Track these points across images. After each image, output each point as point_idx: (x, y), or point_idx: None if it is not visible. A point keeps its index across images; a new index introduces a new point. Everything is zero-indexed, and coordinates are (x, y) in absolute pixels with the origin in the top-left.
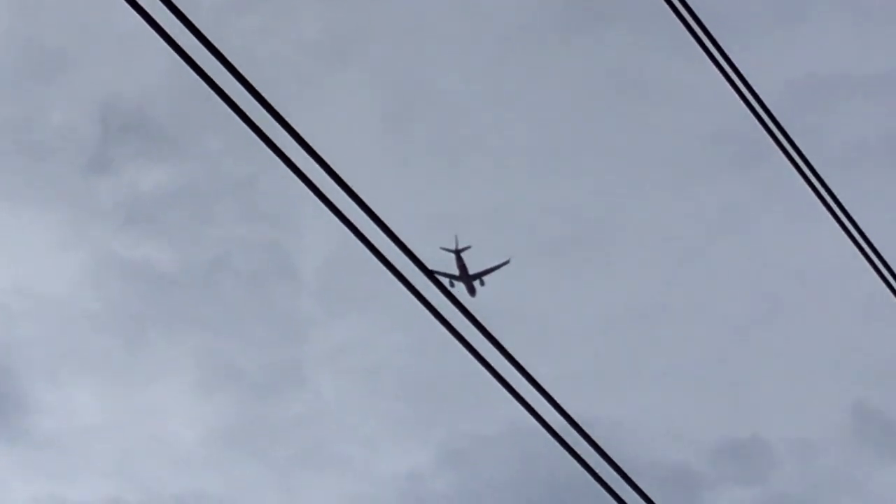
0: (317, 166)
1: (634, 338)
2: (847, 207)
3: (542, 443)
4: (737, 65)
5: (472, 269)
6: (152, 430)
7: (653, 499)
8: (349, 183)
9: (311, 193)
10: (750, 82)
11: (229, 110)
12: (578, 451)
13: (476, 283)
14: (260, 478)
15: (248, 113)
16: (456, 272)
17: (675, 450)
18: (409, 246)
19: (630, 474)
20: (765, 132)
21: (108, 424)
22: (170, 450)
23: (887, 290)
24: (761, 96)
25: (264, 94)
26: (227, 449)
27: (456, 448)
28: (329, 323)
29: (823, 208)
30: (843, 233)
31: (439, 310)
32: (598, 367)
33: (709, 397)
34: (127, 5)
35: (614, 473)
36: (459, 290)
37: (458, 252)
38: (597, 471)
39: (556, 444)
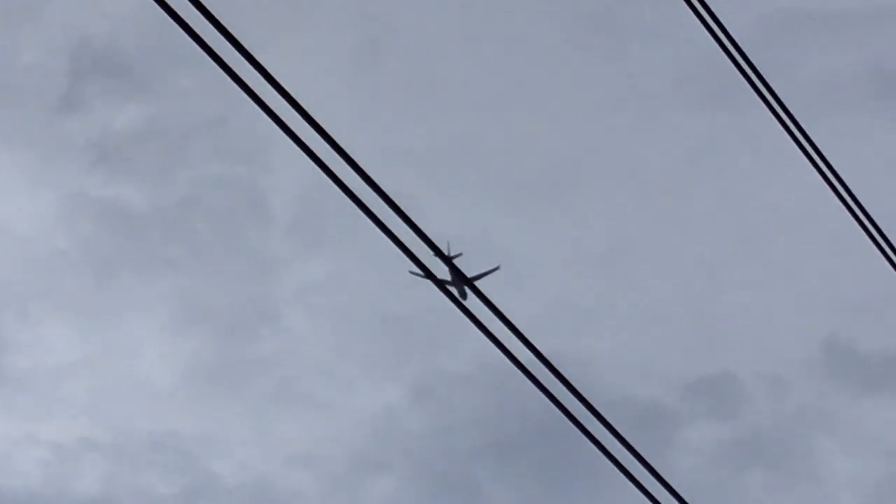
0: (287, 104)
1: (605, 274)
2: (817, 144)
3: (514, 379)
4: (707, 1)
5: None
6: (124, 369)
7: (623, 434)
8: (319, 120)
9: (281, 132)
10: (720, 18)
11: (199, 49)
12: (549, 388)
13: (467, 288)
14: (233, 416)
15: (218, 51)
16: (448, 277)
17: (645, 385)
18: (380, 185)
19: (600, 410)
20: (735, 69)
21: (80, 364)
22: (142, 389)
23: (857, 225)
24: (732, 32)
25: (234, 32)
26: (200, 388)
27: (428, 385)
28: (301, 261)
29: (794, 145)
30: (813, 169)
31: (410, 248)
32: (568, 303)
33: (680, 333)
34: None
35: (585, 409)
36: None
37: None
38: (567, 407)
39: (528, 380)
